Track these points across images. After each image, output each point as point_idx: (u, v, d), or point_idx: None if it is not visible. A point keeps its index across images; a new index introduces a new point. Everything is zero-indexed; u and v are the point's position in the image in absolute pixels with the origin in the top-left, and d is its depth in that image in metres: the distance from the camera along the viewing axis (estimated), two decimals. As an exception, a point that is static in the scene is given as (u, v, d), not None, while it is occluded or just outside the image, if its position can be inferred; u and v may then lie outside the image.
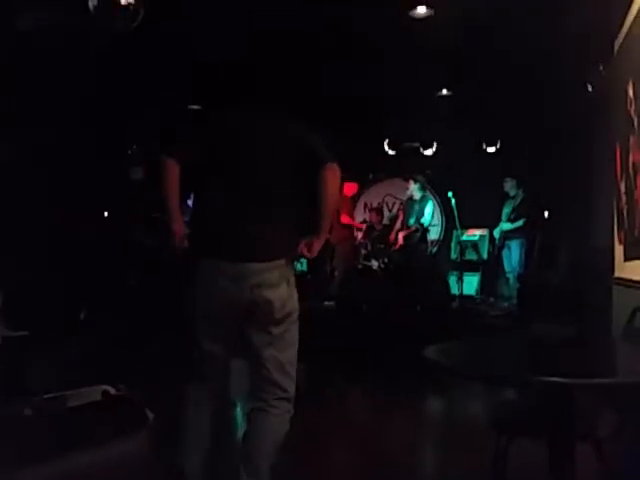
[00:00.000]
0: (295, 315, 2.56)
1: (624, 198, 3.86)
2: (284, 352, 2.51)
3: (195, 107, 7.50)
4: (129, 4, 4.38)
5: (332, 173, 2.51)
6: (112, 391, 1.30)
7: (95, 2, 4.39)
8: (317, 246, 2.54)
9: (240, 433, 2.54)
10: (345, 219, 8.39)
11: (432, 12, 4.60)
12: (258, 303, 2.43)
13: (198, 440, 2.54)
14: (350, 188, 8.71)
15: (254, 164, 2.52)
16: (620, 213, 4.07)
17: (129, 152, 8.31)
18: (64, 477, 1.11)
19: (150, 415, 1.28)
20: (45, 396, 1.28)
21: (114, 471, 1.15)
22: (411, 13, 4.65)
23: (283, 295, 2.48)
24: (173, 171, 2.48)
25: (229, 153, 2.53)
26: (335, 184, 2.53)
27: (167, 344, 5.96)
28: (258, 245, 2.43)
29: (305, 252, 2.54)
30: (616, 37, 3.95)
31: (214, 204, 2.53)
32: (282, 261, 2.47)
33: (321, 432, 3.76)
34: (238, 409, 4.06)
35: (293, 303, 2.54)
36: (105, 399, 1.27)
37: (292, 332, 2.55)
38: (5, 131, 5.53)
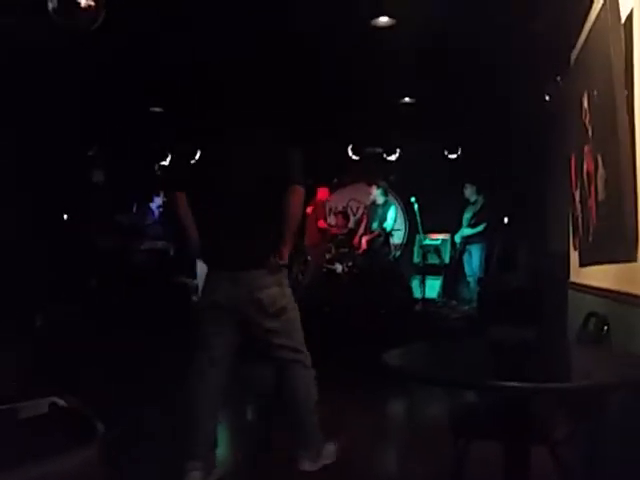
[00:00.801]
0: (290, 307, 3.06)
1: (579, 206, 3.95)
2: (291, 339, 3.05)
3: (157, 109, 7.40)
4: (89, 6, 4.30)
5: (295, 195, 2.95)
6: (61, 403, 1.26)
7: (55, 4, 4.31)
8: (285, 253, 3.00)
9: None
10: (322, 224, 8.41)
11: (394, 22, 4.63)
12: (252, 302, 2.94)
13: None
14: (323, 193, 8.70)
15: (241, 187, 2.98)
16: (575, 220, 4.17)
17: (90, 154, 8.15)
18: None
19: (101, 427, 1.25)
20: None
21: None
22: (373, 22, 4.68)
23: (274, 294, 2.98)
24: (182, 200, 3.05)
25: (220, 179, 3.01)
26: (296, 205, 2.98)
27: (124, 353, 5.87)
28: (248, 257, 2.96)
29: (278, 260, 2.98)
30: (573, 49, 4.05)
31: (213, 222, 3.04)
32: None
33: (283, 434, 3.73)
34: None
35: (286, 300, 3.05)
36: (52, 411, 1.23)
37: (292, 321, 3.07)
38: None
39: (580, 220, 3.96)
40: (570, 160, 4.20)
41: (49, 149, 7.08)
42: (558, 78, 4.69)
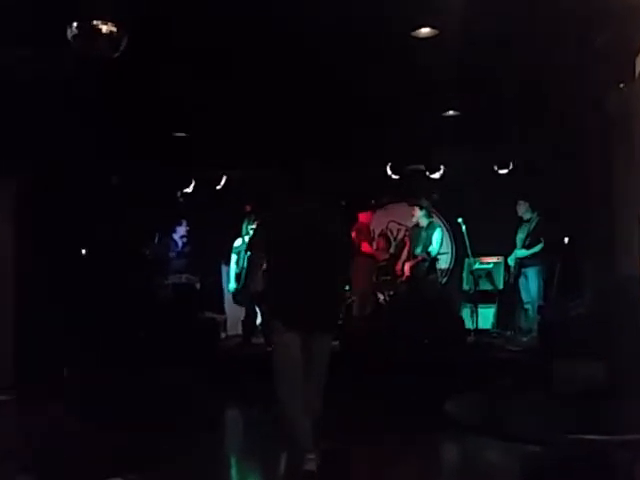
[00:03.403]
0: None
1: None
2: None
3: (180, 134, 7.55)
4: (111, 32, 4.44)
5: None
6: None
7: (75, 31, 4.46)
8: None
9: None
10: (366, 248, 8.31)
11: (436, 32, 4.66)
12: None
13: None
14: (366, 215, 8.63)
15: (310, 249, 3.53)
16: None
17: (112, 182, 8.33)
18: None
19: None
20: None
21: None
22: (414, 33, 4.71)
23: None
24: (260, 270, 3.80)
25: (291, 242, 3.57)
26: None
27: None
28: (316, 322, 3.57)
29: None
30: (637, 55, 4.01)
31: (280, 281, 3.60)
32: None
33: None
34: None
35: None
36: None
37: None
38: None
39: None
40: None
41: (69, 177, 7.26)
42: (622, 85, 4.64)
